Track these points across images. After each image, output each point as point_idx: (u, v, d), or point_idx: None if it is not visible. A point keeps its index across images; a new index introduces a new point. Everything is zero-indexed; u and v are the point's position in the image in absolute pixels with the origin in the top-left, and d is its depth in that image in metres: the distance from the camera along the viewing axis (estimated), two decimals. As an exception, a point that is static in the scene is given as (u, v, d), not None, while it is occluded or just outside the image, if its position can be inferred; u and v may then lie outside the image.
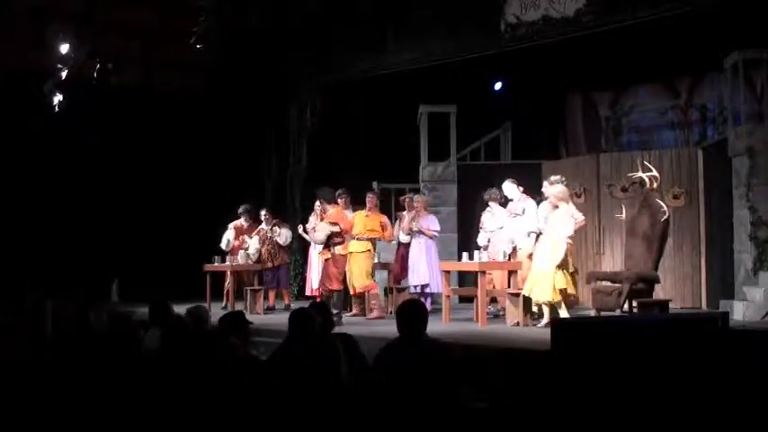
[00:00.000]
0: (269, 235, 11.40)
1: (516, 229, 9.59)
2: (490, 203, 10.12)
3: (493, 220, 10.07)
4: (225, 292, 11.34)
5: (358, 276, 10.08)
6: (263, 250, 11.46)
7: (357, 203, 10.67)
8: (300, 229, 11.20)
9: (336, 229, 9.70)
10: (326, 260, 10.00)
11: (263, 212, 11.65)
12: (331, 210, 9.97)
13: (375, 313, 10.05)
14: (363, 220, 10.24)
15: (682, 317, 7.26)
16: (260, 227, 11.61)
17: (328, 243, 9.85)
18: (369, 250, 10.20)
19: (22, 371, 4.74)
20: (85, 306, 5.27)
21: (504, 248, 9.49)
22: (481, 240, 10.07)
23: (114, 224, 12.76)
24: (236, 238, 11.65)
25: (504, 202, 10.08)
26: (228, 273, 11.26)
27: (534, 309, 8.86)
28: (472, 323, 9.24)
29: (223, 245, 11.64)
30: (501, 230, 9.87)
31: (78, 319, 5.16)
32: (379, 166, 13.04)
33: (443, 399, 4.16)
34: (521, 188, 9.80)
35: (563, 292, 8.47)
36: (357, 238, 10.12)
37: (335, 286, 9.73)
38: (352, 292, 10.30)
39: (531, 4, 11.11)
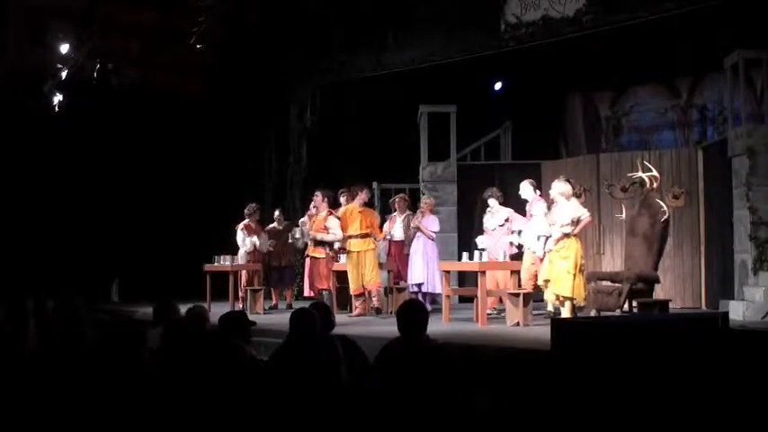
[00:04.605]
0: (296, 235, 11.41)
1: (528, 231, 9.60)
2: (490, 203, 10.12)
3: (493, 219, 10.08)
4: (242, 294, 11.13)
5: (372, 274, 9.99)
6: (274, 248, 11.50)
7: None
8: (306, 228, 10.93)
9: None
10: (316, 259, 9.98)
11: (276, 212, 11.77)
12: (324, 210, 10.02)
13: (376, 304, 10.03)
14: (359, 216, 10.04)
15: (682, 317, 7.26)
16: (272, 225, 11.64)
17: (324, 243, 9.88)
18: (373, 248, 10.13)
19: (23, 371, 4.74)
20: (80, 307, 5.26)
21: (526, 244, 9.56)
22: (482, 242, 10.07)
23: (114, 224, 12.76)
24: (251, 235, 11.33)
25: (505, 201, 10.13)
26: (242, 273, 11.13)
27: (550, 307, 9.00)
28: (472, 323, 9.24)
29: (244, 247, 11.28)
30: (501, 228, 9.93)
31: (75, 319, 5.16)
32: (379, 166, 13.05)
33: (442, 399, 4.16)
34: (538, 191, 9.77)
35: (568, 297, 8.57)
36: (356, 236, 10.02)
37: (325, 285, 9.71)
38: (356, 292, 10.10)
39: (531, 4, 11.13)
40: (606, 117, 13.45)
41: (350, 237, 9.99)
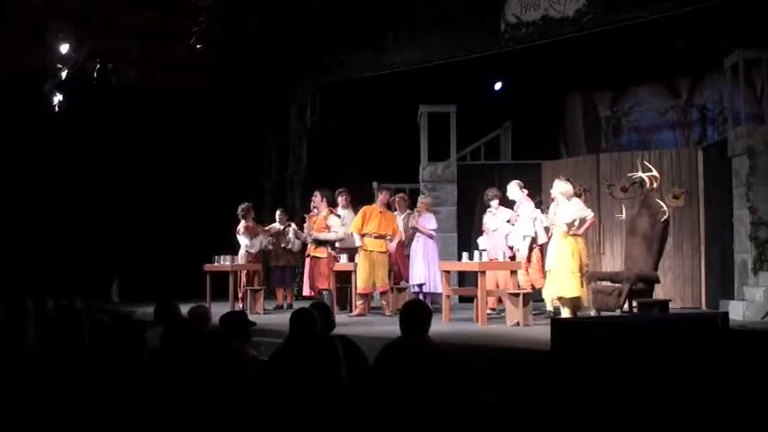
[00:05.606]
0: (287, 235, 11.38)
1: (514, 232, 9.65)
2: (491, 203, 10.11)
3: (494, 220, 10.08)
4: (241, 294, 11.06)
5: (383, 276, 9.99)
6: (273, 248, 11.50)
7: (356, 203, 10.68)
8: (305, 232, 10.89)
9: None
10: (318, 259, 9.96)
11: (278, 212, 11.74)
12: (324, 210, 10.02)
13: (388, 311, 10.03)
14: (379, 217, 10.04)
15: (682, 317, 7.26)
16: (272, 225, 11.63)
17: (326, 243, 9.86)
18: (386, 251, 10.14)
19: (23, 371, 4.74)
20: (80, 307, 5.27)
21: (514, 245, 9.61)
22: (483, 243, 10.07)
23: (114, 224, 12.76)
24: (254, 237, 11.25)
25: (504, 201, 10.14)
26: (243, 273, 11.08)
27: (550, 307, 9.01)
28: (472, 323, 9.24)
29: (253, 249, 11.20)
30: (503, 229, 9.94)
31: (75, 319, 5.16)
32: (379, 166, 13.05)
33: (441, 399, 4.16)
34: (525, 191, 9.78)
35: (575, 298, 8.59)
36: (373, 236, 9.99)
37: (326, 285, 9.68)
38: (364, 291, 10.02)
39: (531, 4, 11.12)
40: (606, 117, 13.45)
41: (365, 235, 9.97)
